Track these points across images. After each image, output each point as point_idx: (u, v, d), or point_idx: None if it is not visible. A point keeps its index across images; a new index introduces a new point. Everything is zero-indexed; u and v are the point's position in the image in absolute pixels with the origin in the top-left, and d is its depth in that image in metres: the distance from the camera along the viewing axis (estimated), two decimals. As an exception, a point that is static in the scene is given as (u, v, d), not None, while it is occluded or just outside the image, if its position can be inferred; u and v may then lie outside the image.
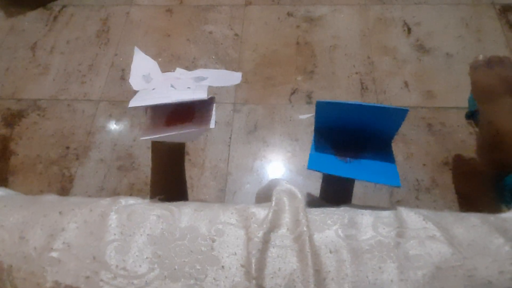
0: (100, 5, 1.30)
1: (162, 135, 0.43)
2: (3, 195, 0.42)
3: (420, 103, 1.01)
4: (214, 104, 0.46)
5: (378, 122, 0.43)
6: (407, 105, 1.01)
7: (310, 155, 0.44)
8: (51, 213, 0.36)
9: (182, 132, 0.43)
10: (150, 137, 0.43)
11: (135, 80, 0.47)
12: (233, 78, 0.49)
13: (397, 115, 0.41)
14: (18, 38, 1.25)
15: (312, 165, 0.42)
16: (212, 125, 0.43)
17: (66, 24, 1.26)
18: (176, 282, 0.31)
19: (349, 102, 0.42)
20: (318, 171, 0.42)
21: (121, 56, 1.18)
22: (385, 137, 0.44)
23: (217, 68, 1.12)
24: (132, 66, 0.49)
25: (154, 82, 0.48)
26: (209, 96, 0.45)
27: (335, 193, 0.53)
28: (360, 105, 0.41)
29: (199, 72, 0.49)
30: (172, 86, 0.45)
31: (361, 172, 0.41)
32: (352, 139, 0.45)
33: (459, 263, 0.31)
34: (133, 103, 0.42)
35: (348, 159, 0.43)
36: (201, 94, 0.42)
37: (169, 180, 0.57)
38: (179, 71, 0.50)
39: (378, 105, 0.41)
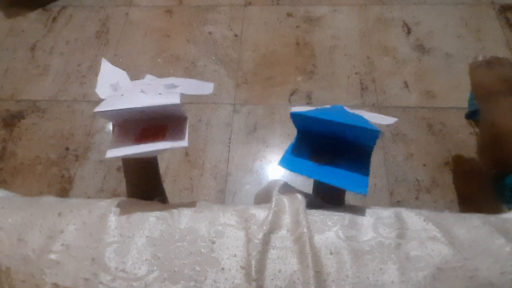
0: (99, 6, 1.30)
1: (130, 152, 0.40)
2: (1, 197, 0.42)
3: (420, 103, 1.01)
4: (188, 122, 0.44)
5: (353, 136, 0.42)
6: (407, 105, 1.01)
7: (285, 153, 0.45)
8: (49, 214, 0.36)
9: (152, 150, 0.40)
10: (117, 155, 0.40)
11: (102, 89, 0.45)
12: (205, 88, 0.47)
13: (369, 135, 0.41)
14: (17, 39, 1.24)
15: (282, 163, 0.43)
16: (185, 142, 0.41)
17: (66, 25, 1.26)
18: (176, 284, 0.31)
19: (322, 116, 0.42)
20: (288, 170, 0.43)
21: (120, 57, 1.17)
22: (365, 146, 0.44)
23: (216, 69, 1.12)
24: (99, 77, 0.46)
25: (123, 89, 0.46)
26: (182, 109, 0.43)
27: (326, 191, 0.53)
28: (331, 121, 0.41)
29: (170, 80, 0.47)
30: (142, 91, 0.43)
31: (329, 176, 0.41)
32: (333, 144, 0.45)
33: (460, 264, 0.31)
34: (100, 108, 0.40)
35: (322, 163, 0.43)
36: (173, 99, 0.40)
37: (146, 194, 0.55)
38: (149, 78, 0.49)
39: (351, 121, 0.41)
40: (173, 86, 0.45)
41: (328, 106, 0.50)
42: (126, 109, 0.40)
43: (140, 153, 0.40)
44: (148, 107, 0.40)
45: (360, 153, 0.44)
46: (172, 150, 0.42)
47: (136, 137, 0.42)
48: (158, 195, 0.58)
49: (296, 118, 0.44)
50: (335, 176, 0.41)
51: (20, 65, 1.18)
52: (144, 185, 0.53)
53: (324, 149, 0.45)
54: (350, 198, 0.58)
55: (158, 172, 0.57)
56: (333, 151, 0.44)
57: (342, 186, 0.40)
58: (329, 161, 0.43)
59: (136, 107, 0.40)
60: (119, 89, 0.46)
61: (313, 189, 0.54)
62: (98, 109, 0.39)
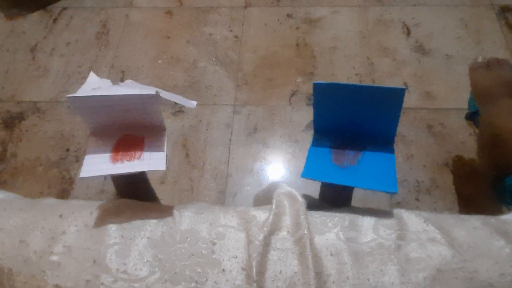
0: (100, 7, 1.30)
1: (105, 173, 0.39)
2: (2, 198, 0.42)
3: (419, 104, 1.01)
4: (166, 138, 0.42)
5: (378, 106, 0.41)
6: (407, 106, 1.01)
7: (306, 163, 0.42)
8: (51, 216, 0.36)
9: (127, 171, 0.39)
10: (91, 175, 0.39)
11: (82, 92, 0.43)
12: (188, 102, 0.46)
13: (395, 95, 0.39)
14: (18, 40, 1.25)
15: (306, 174, 0.41)
16: (163, 166, 0.39)
17: (66, 26, 1.27)
18: (177, 285, 0.31)
19: (346, 83, 0.41)
20: (313, 180, 0.41)
21: (121, 58, 1.18)
22: (387, 132, 0.43)
23: (216, 70, 1.12)
24: (83, 85, 0.46)
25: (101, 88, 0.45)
26: (160, 113, 0.41)
27: (334, 194, 0.53)
28: (356, 85, 0.40)
29: (151, 87, 0.45)
30: (120, 85, 0.43)
31: (357, 179, 0.40)
32: (353, 137, 0.44)
33: (460, 266, 0.31)
34: (73, 95, 0.38)
35: (345, 163, 0.42)
36: (149, 91, 0.39)
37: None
38: (130, 81, 0.48)
39: (375, 85, 0.40)
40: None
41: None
42: (100, 96, 0.39)
43: (115, 174, 0.40)
44: (122, 96, 0.39)
45: (383, 139, 0.43)
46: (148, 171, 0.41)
47: (112, 149, 0.41)
48: (149, 201, 0.58)
49: (319, 87, 0.41)
50: (361, 178, 0.40)
51: (21, 66, 1.18)
52: (132, 191, 0.53)
53: (345, 145, 0.43)
54: (353, 200, 0.58)
55: (146, 179, 0.56)
56: (354, 145, 0.43)
57: (372, 188, 0.39)
58: (353, 158, 0.42)
59: (109, 95, 0.39)
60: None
61: (320, 193, 0.55)
62: (70, 94, 0.38)
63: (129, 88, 0.42)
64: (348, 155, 0.42)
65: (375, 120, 0.42)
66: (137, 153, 0.41)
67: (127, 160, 0.40)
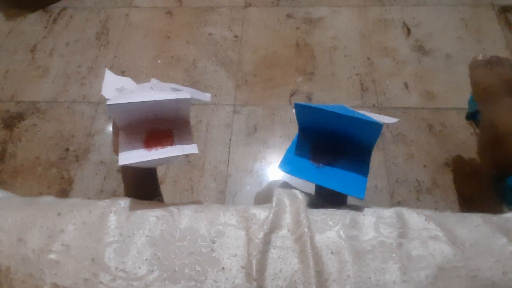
0: (100, 7, 1.30)
1: (144, 160, 0.40)
2: (0, 197, 0.42)
3: (420, 104, 1.01)
4: (192, 129, 0.45)
5: (356, 131, 0.43)
6: (407, 106, 1.01)
7: (284, 156, 0.45)
8: (49, 214, 0.36)
9: (165, 157, 0.41)
10: (130, 162, 0.40)
11: (108, 92, 0.45)
12: (203, 96, 0.48)
13: (372, 129, 0.41)
14: (17, 40, 1.25)
15: (282, 166, 0.44)
16: (196, 149, 0.42)
17: (66, 26, 1.26)
18: (176, 284, 0.31)
19: (326, 108, 0.42)
20: (287, 173, 0.44)
21: (120, 58, 1.17)
22: (365, 144, 0.44)
23: (216, 70, 1.12)
24: (103, 83, 0.47)
25: (131, 89, 0.46)
26: (189, 110, 0.44)
27: (328, 193, 0.53)
28: (335, 113, 0.41)
29: (173, 85, 0.48)
30: (151, 88, 0.44)
31: (328, 179, 0.42)
32: (333, 142, 0.45)
33: (462, 264, 0.31)
34: (113, 100, 0.40)
35: (321, 164, 0.44)
36: (185, 95, 0.42)
37: (143, 197, 0.55)
38: (154, 81, 0.50)
39: (354, 115, 0.41)
40: (176, 90, 0.46)
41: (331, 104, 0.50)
42: (140, 102, 0.40)
43: (152, 161, 0.41)
44: (161, 101, 0.41)
45: (360, 152, 0.44)
46: (182, 156, 0.44)
47: (143, 142, 0.43)
48: (156, 197, 0.58)
49: (300, 109, 0.44)
50: (334, 180, 0.41)
51: (20, 66, 1.18)
52: (142, 188, 0.53)
53: (324, 147, 0.45)
54: (351, 198, 0.57)
55: (156, 175, 0.57)
56: (333, 150, 0.44)
57: (341, 191, 0.40)
58: (329, 161, 0.43)
59: (150, 100, 0.41)
60: (125, 90, 0.47)
61: (315, 191, 0.54)
62: (111, 102, 0.39)
63: (162, 91, 0.44)
64: (325, 156, 0.44)
65: (355, 137, 0.44)
66: (169, 142, 0.43)
67: (160, 148, 0.42)
